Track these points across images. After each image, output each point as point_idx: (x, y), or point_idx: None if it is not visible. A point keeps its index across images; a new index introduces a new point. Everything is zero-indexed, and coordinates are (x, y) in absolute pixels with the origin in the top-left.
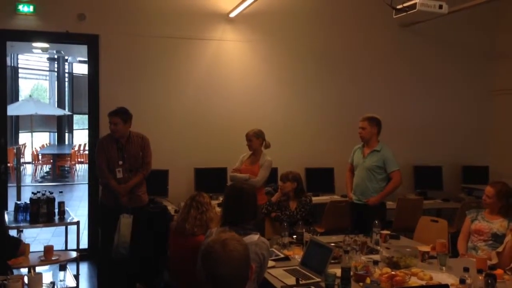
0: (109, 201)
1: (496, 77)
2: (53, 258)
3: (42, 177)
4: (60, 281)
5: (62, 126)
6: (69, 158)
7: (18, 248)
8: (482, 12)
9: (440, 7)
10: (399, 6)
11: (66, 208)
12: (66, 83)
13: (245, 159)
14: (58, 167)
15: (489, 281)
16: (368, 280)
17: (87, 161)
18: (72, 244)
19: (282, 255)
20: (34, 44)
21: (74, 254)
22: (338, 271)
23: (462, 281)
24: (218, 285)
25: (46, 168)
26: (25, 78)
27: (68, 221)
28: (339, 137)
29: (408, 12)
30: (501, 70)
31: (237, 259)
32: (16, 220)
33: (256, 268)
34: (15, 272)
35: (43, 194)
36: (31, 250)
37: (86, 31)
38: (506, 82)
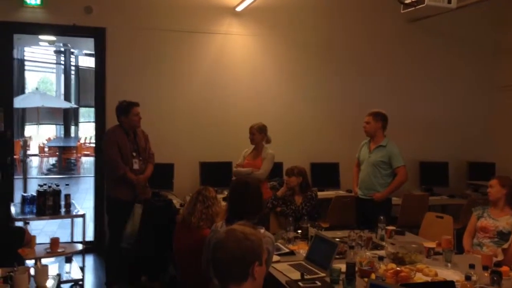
0: (125, 195)
1: (503, 73)
2: (59, 250)
3: (48, 170)
4: (66, 273)
5: (68, 118)
6: (75, 151)
7: (24, 237)
8: (489, 7)
9: (449, 1)
10: (408, 1)
11: (72, 201)
12: (73, 76)
13: (247, 154)
14: (64, 160)
15: (495, 278)
16: (373, 276)
17: (93, 154)
18: (78, 237)
19: (287, 250)
20: (41, 37)
21: (80, 247)
22: (343, 267)
23: (468, 278)
24: (215, 271)
25: (52, 160)
26: (32, 70)
27: (74, 213)
28: (344, 132)
29: (416, 7)
30: (508, 66)
31: (234, 248)
32: (22, 212)
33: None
34: None
35: (49, 187)
36: (37, 242)
37: (93, 24)
38: None
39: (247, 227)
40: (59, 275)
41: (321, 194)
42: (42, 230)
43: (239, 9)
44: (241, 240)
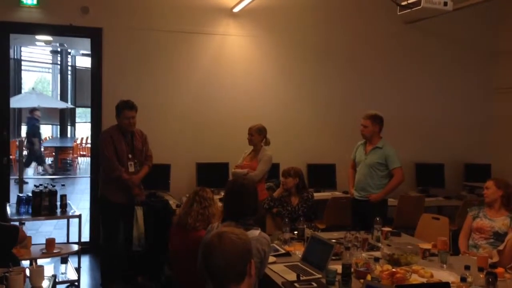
0: (118, 197)
1: (499, 74)
2: (54, 251)
3: (44, 170)
4: (62, 273)
5: (65, 119)
6: (71, 151)
7: (17, 235)
8: (486, 9)
9: (445, 4)
10: (404, 3)
11: (68, 201)
12: (69, 76)
13: (246, 156)
14: (61, 160)
15: (490, 280)
16: (368, 277)
17: (89, 154)
18: (73, 237)
19: (283, 251)
20: (37, 37)
21: (75, 247)
22: (339, 268)
23: (463, 279)
24: (212, 276)
25: (49, 161)
26: (28, 70)
27: (70, 214)
28: (341, 133)
29: (413, 9)
30: (504, 68)
31: (231, 251)
32: (18, 212)
33: (256, 264)
34: None
35: (45, 187)
36: (32, 242)
37: (89, 24)
38: (509, 79)
39: (234, 228)
40: (54, 275)
41: (317, 195)
42: (37, 230)
43: (236, 10)
44: (236, 242)
